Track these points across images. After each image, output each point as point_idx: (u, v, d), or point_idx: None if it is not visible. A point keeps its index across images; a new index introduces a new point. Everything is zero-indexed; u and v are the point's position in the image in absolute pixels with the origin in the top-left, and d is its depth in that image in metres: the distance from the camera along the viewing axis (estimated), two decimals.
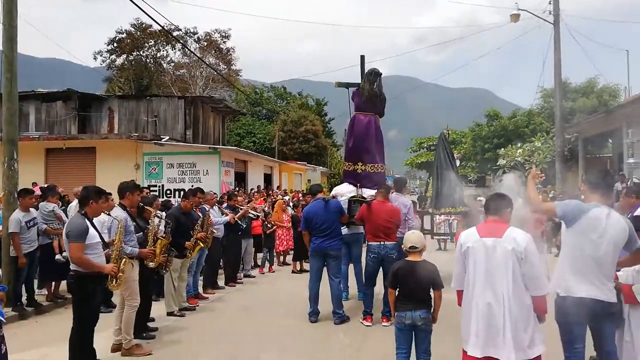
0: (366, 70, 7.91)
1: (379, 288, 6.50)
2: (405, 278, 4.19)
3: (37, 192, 8.40)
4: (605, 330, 3.55)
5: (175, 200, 11.25)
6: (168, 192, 15.57)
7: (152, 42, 35.91)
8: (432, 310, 4.16)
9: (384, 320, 6.25)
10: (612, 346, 3.59)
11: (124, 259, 4.92)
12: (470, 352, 3.35)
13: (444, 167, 9.10)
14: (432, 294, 4.18)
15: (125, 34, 35.62)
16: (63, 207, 8.79)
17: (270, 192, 17.03)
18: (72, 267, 4.56)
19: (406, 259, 4.32)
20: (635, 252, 3.58)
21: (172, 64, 37.26)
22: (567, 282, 3.51)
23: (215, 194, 9.84)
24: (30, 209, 7.15)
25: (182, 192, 11.64)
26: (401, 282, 4.22)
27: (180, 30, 34.33)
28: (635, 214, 4.57)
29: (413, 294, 4.14)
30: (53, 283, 7.69)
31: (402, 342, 4.18)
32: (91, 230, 4.59)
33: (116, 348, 5.30)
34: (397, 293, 4.27)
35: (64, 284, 7.46)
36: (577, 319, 3.47)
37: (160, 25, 24.93)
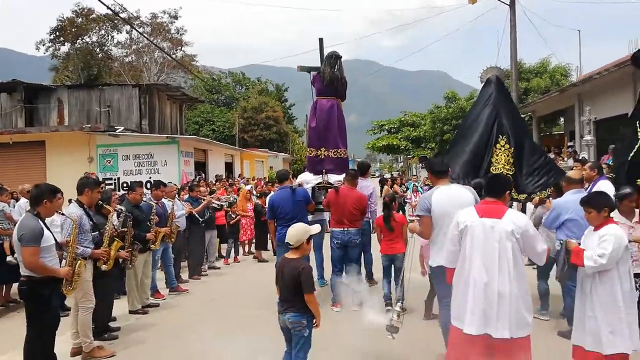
0: (326, 54, 7.80)
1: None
2: (278, 276, 3.81)
3: None
4: None
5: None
6: (125, 185, 15.00)
7: (96, 27, 34.07)
8: (306, 315, 3.67)
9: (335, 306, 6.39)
10: None
11: (79, 261, 4.66)
12: (467, 330, 3.40)
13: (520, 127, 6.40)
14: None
15: (66, 22, 33.65)
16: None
17: (232, 180, 16.72)
18: (24, 272, 4.24)
19: (285, 254, 3.91)
20: None
21: (120, 46, 35.57)
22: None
23: (175, 185, 9.55)
24: None
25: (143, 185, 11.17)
26: (278, 279, 3.82)
27: (126, 10, 32.85)
28: (595, 189, 4.77)
29: (283, 294, 3.74)
30: (4, 286, 7.28)
31: (287, 341, 3.85)
32: (46, 232, 4.28)
33: (76, 351, 5.05)
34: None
35: (15, 287, 7.08)
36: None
37: (105, 5, 23.74)
